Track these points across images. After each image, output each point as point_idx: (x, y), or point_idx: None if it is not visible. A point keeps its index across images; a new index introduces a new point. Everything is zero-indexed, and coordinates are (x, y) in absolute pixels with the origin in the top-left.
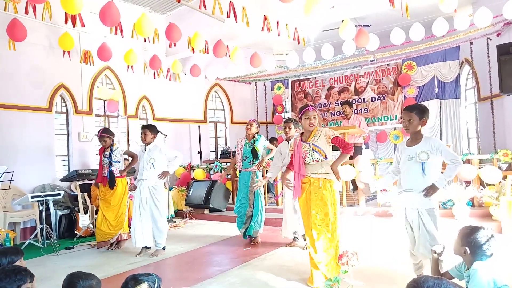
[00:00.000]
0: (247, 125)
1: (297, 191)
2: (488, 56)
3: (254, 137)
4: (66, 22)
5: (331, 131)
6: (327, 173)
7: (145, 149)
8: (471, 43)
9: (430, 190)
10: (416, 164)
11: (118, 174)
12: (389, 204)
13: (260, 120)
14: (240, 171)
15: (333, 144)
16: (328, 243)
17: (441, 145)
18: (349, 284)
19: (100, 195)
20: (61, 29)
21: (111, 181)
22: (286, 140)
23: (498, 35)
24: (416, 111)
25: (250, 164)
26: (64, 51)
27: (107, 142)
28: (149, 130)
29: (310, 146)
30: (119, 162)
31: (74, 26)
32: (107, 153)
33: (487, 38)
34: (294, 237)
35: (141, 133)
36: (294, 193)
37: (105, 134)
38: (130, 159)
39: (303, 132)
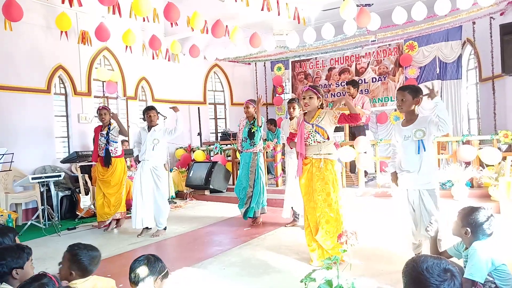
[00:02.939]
0: (244, 107)
1: (299, 170)
2: (491, 36)
3: (254, 117)
4: (63, 2)
5: (337, 110)
6: (329, 154)
7: (149, 130)
8: (474, 23)
9: None
10: (412, 143)
11: (116, 154)
12: (389, 184)
13: None
14: (241, 152)
15: (339, 125)
16: (331, 223)
17: (431, 117)
18: (347, 263)
19: (99, 176)
20: (58, 9)
21: (106, 159)
22: (290, 119)
23: (501, 14)
24: (408, 90)
25: (251, 145)
26: (61, 32)
27: (106, 116)
28: (156, 111)
29: (313, 127)
30: (117, 142)
31: (71, 6)
32: (104, 132)
33: (491, 17)
34: (295, 217)
35: (149, 115)
36: (297, 172)
37: (106, 108)
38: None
39: (306, 112)
